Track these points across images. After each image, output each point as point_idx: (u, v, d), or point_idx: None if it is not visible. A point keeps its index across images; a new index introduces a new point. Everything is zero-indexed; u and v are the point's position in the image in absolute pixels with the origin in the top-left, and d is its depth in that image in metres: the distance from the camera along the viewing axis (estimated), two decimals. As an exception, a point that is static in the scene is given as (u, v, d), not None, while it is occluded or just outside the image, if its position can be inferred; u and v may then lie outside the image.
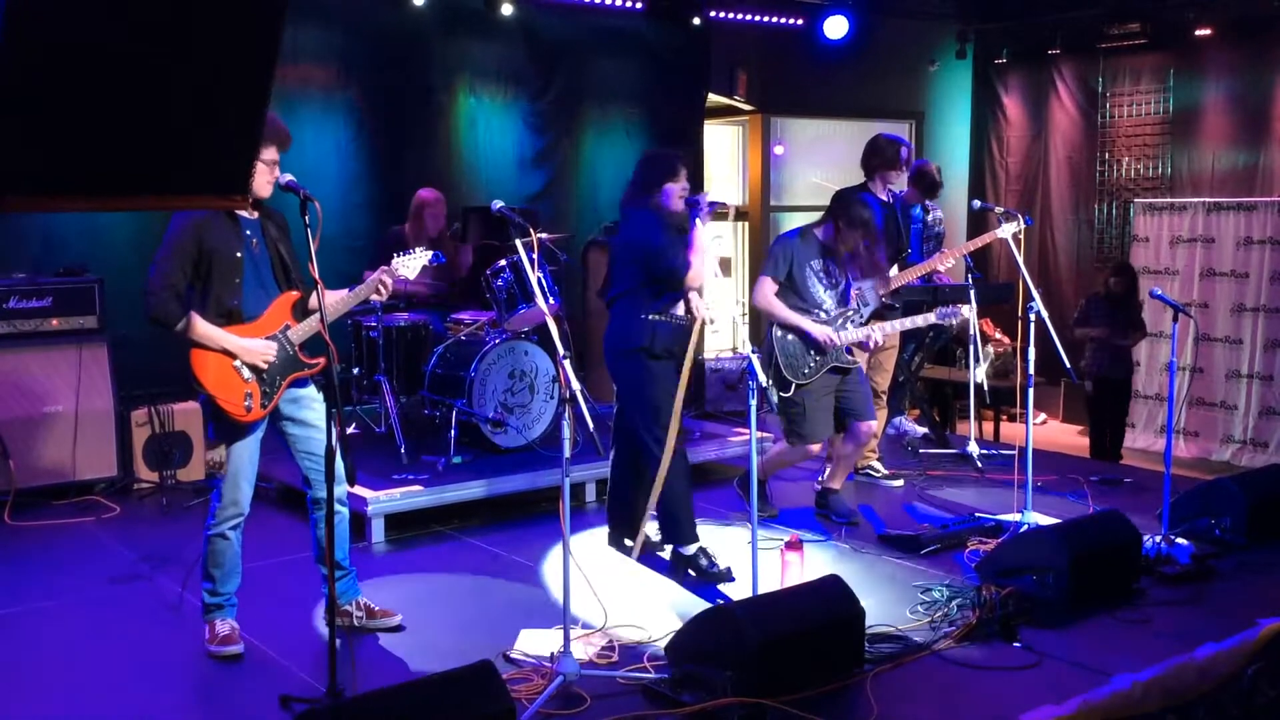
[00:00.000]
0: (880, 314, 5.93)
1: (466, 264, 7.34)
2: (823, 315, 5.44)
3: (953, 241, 8.15)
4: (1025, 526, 5.31)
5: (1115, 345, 7.81)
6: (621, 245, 5.10)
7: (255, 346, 4.03)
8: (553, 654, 3.88)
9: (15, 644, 4.27)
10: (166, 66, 2.02)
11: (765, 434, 5.98)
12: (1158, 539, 5.03)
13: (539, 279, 4.55)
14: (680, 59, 9.46)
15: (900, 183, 6.44)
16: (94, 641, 4.31)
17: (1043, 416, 10.30)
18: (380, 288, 4.21)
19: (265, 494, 5.82)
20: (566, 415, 3.81)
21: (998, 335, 10.15)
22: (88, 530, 5.73)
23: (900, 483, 6.60)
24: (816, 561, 5.05)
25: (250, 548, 4.28)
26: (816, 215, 5.65)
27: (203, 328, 3.96)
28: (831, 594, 4.05)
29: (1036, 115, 10.87)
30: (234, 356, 3.99)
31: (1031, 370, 5.46)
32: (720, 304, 5.38)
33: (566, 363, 3.82)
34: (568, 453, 3.77)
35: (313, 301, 4.03)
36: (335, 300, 4.16)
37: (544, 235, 6.19)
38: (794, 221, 9.60)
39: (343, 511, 4.17)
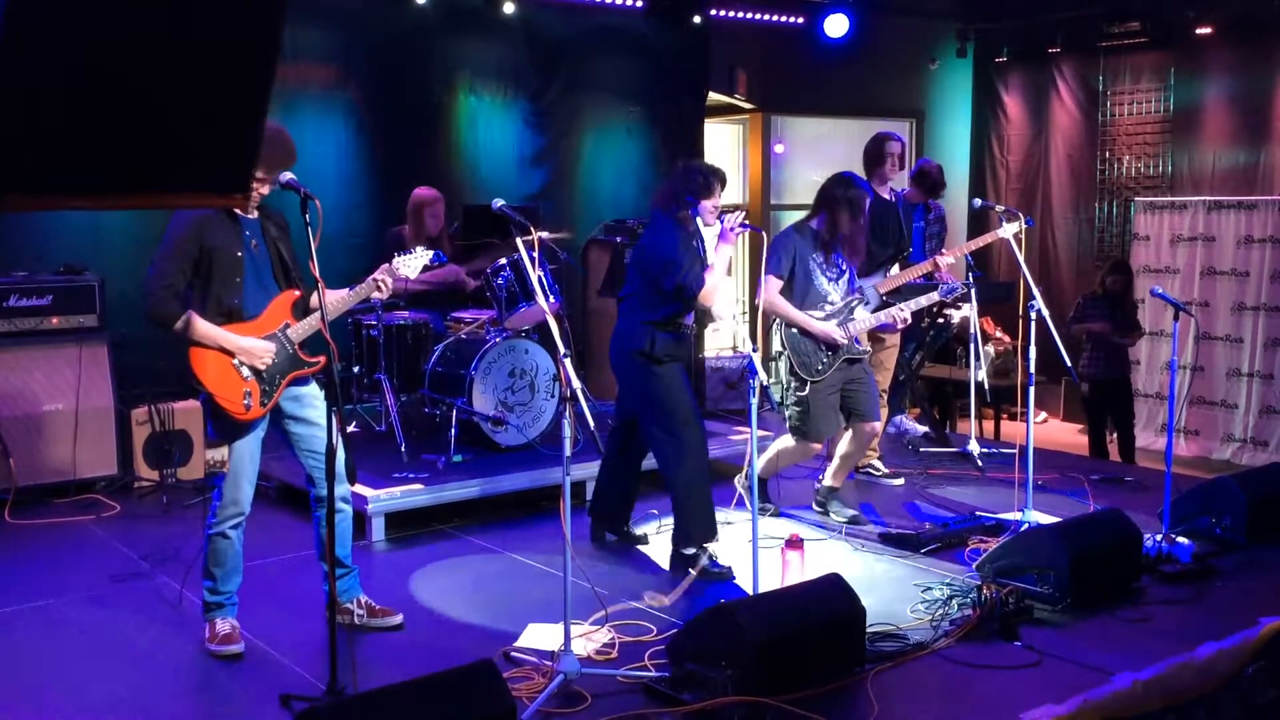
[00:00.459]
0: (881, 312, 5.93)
1: (470, 282, 7.22)
2: (828, 308, 5.45)
3: (953, 240, 8.15)
4: (1026, 525, 5.32)
5: (1112, 345, 7.76)
6: (639, 248, 5.16)
7: (254, 346, 4.03)
8: (553, 652, 3.89)
9: (15, 643, 4.27)
10: (166, 65, 2.02)
11: (765, 432, 5.98)
12: (1158, 538, 5.03)
13: (539, 277, 4.55)
14: (680, 57, 9.45)
15: (896, 178, 6.48)
16: (94, 640, 4.30)
17: (1043, 415, 10.30)
18: (380, 286, 4.22)
19: (265, 493, 5.81)
20: (567, 414, 3.81)
21: (998, 334, 10.15)
22: (88, 529, 5.73)
23: (901, 481, 6.61)
24: (817, 560, 5.05)
25: (251, 546, 4.29)
26: (817, 215, 5.66)
27: (202, 327, 3.96)
28: (832, 593, 4.05)
29: (1037, 114, 10.86)
30: (233, 355, 4.00)
31: (1032, 369, 5.46)
32: (724, 307, 5.38)
33: (567, 361, 3.82)
34: (568, 451, 3.77)
35: (313, 300, 4.03)
36: (335, 299, 4.18)
37: (544, 234, 6.18)
38: (794, 220, 9.57)
39: (345, 510, 4.18)
